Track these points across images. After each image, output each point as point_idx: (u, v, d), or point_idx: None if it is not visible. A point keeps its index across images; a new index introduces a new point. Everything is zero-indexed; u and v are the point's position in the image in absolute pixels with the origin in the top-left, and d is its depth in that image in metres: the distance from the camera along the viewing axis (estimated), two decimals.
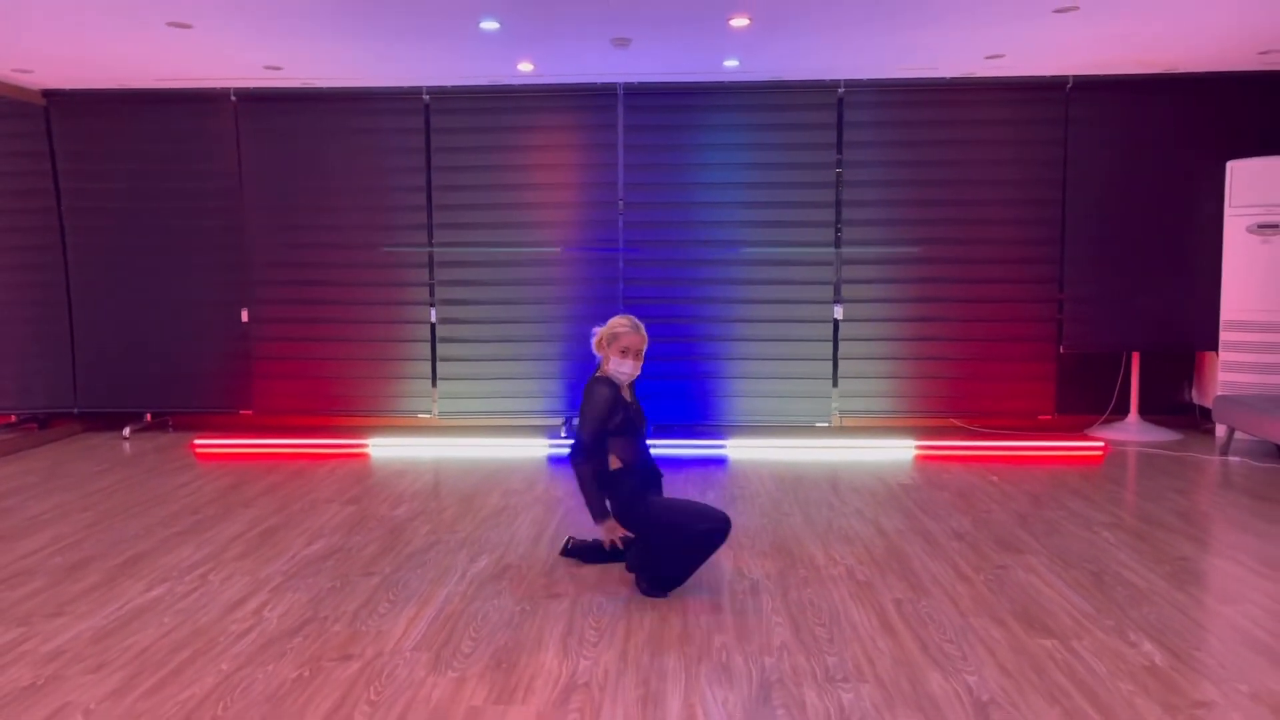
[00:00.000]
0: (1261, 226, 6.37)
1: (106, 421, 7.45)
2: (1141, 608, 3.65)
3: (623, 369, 3.94)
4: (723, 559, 4.26)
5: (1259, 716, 2.80)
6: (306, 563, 4.24)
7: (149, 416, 7.51)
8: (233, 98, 7.04)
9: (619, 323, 4.00)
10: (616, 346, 3.95)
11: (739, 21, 5.24)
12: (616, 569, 4.10)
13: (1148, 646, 3.29)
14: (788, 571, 4.10)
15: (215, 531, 4.74)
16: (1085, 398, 7.20)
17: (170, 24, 5.22)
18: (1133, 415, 7.05)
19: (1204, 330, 6.80)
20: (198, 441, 6.72)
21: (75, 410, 7.36)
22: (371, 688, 3.02)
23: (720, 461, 6.35)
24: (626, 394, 4.02)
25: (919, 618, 3.57)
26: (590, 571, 4.10)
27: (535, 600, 3.77)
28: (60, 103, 7.10)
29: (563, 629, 3.48)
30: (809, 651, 3.28)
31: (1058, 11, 5.04)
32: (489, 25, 5.29)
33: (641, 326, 4.02)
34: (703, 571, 4.08)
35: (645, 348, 4.01)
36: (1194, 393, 7.28)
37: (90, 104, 7.09)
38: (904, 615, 3.59)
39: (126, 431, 7.22)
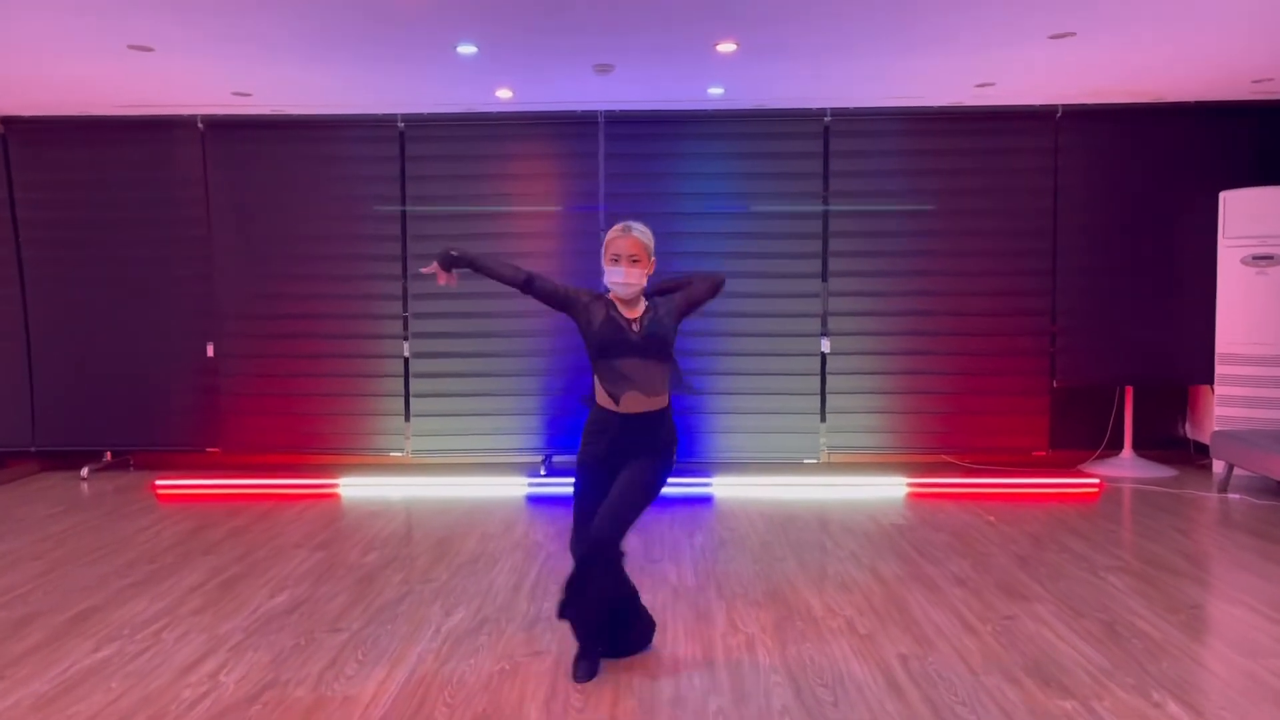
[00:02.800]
0: (1256, 258, 6.25)
1: (65, 460, 7.12)
2: (1160, 662, 3.43)
3: (613, 279, 3.36)
4: (714, 609, 4.02)
5: None
6: (269, 618, 3.96)
7: (109, 455, 7.19)
8: (200, 125, 6.80)
9: (612, 229, 3.44)
10: (607, 256, 3.38)
11: (725, 47, 5.07)
12: None
13: (1173, 707, 3.07)
14: (784, 623, 3.86)
15: (173, 582, 4.44)
16: (1078, 432, 7.03)
17: (131, 47, 4.98)
18: (1127, 450, 6.88)
19: (1198, 363, 6.65)
20: (159, 482, 6.41)
21: (32, 449, 7.03)
22: None
23: (706, 500, 6.13)
24: (628, 311, 3.40)
25: (927, 676, 3.34)
26: None
27: (515, 659, 3.51)
28: (19, 130, 6.82)
29: (545, 692, 3.23)
30: (812, 715, 3.04)
31: (1053, 37, 4.90)
32: (467, 49, 5.09)
33: (635, 227, 3.38)
34: (694, 624, 3.85)
35: (640, 251, 3.35)
36: (1188, 427, 7.13)
37: (50, 131, 6.81)
38: (911, 673, 3.36)
39: (85, 472, 6.90)
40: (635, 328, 3.38)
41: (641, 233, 3.40)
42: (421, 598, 4.21)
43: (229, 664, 3.48)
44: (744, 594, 4.24)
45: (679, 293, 3.53)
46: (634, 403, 3.36)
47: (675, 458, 3.48)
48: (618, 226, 3.42)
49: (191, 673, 3.40)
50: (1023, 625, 3.82)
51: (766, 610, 4.02)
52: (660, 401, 3.40)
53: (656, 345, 3.37)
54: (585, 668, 3.34)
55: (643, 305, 3.45)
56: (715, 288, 3.56)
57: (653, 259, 3.44)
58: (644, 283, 3.41)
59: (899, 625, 3.84)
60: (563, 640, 3.68)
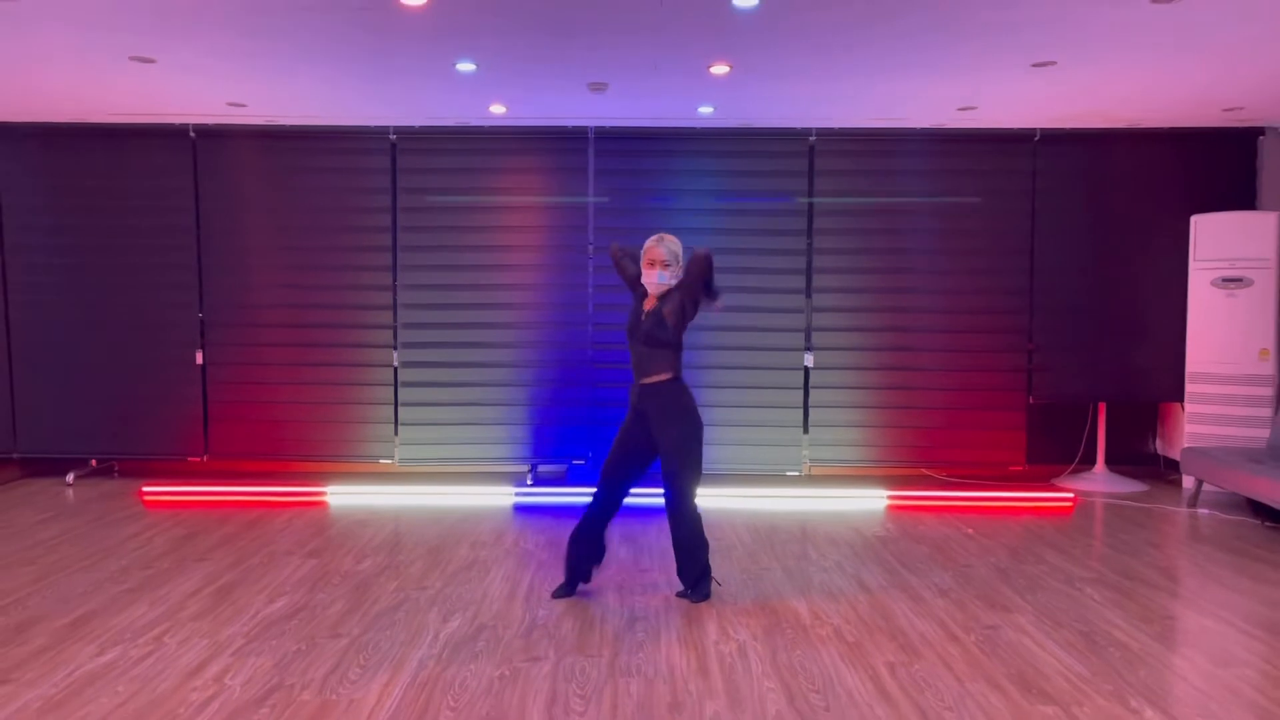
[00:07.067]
0: (1225, 280, 6.45)
1: (48, 467, 7.12)
2: (1137, 671, 3.57)
3: (649, 280, 4.27)
4: (705, 616, 4.12)
5: None
6: (268, 623, 4.02)
7: (94, 462, 7.20)
8: (192, 134, 6.84)
9: (650, 239, 4.30)
10: (644, 261, 4.28)
11: (719, 69, 5.21)
12: (596, 628, 3.95)
13: (1150, 713, 3.21)
14: (774, 631, 3.97)
15: (169, 588, 4.49)
16: (1053, 448, 7.21)
17: (134, 59, 5.04)
18: (1099, 466, 7.06)
19: (1169, 382, 6.86)
20: (146, 489, 6.44)
21: (15, 455, 7.02)
22: None
23: None
24: (651, 303, 4.28)
25: (914, 683, 3.45)
26: (569, 631, 3.94)
27: (515, 664, 3.60)
28: (4, 135, 6.82)
29: (546, 696, 3.32)
30: None
31: (1035, 65, 5.07)
32: (466, 67, 5.20)
33: (666, 238, 4.29)
34: (686, 630, 3.95)
35: (668, 256, 4.23)
36: (1159, 443, 7.33)
37: (37, 137, 6.82)
38: (899, 680, 3.48)
39: (70, 478, 6.91)
40: (643, 319, 4.28)
41: (672, 242, 4.31)
42: (418, 604, 4.28)
43: (233, 668, 3.54)
44: (733, 602, 4.35)
45: (681, 289, 4.26)
46: (638, 375, 4.33)
47: (698, 420, 4.37)
48: (654, 237, 4.31)
49: (197, 676, 3.46)
50: (1004, 635, 3.95)
51: (756, 618, 4.13)
52: (656, 377, 4.27)
53: (649, 338, 4.25)
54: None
55: (657, 301, 4.28)
56: (702, 264, 4.19)
57: (681, 262, 4.31)
58: (673, 282, 4.28)
59: (884, 634, 3.96)
60: (560, 646, 3.77)
